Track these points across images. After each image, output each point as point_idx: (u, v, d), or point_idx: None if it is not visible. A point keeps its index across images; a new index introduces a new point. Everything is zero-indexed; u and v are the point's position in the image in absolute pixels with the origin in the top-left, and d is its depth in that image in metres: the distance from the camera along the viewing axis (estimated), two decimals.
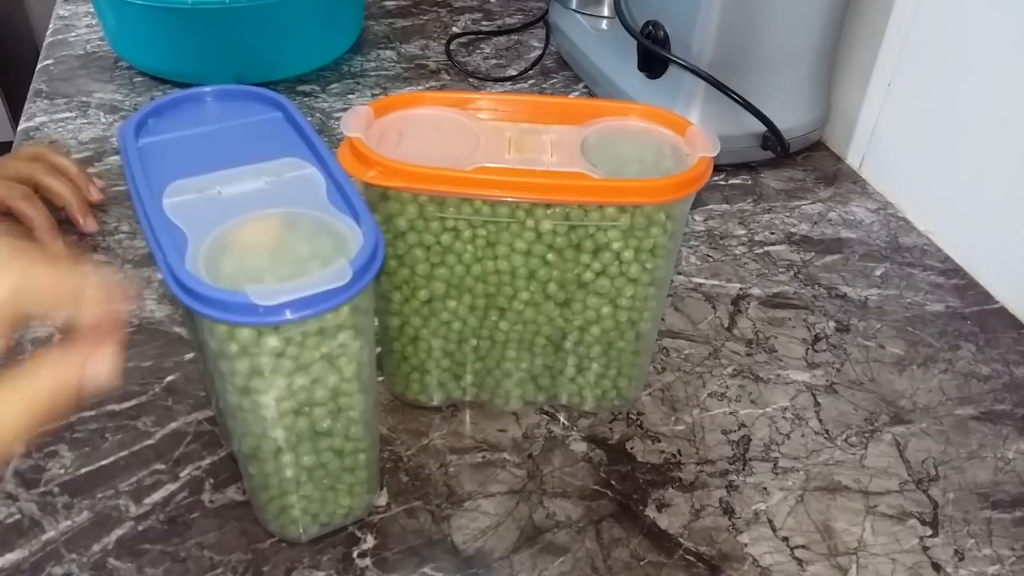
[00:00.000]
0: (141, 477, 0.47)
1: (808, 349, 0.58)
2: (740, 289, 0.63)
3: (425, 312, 0.47)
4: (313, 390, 0.38)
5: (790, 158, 0.78)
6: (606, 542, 0.45)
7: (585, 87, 0.87)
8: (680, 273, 0.64)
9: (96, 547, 0.43)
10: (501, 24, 1.00)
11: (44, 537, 0.44)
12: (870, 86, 0.75)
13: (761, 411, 0.53)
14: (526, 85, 0.89)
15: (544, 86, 0.88)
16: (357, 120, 0.45)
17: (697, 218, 0.70)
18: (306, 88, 0.85)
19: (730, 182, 0.75)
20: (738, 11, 0.68)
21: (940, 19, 0.67)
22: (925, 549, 0.45)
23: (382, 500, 0.47)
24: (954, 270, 0.66)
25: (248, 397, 0.37)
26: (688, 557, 0.44)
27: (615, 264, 0.45)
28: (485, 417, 0.52)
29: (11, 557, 0.43)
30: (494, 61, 0.92)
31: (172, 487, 0.46)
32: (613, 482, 0.48)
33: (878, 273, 0.65)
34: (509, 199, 0.43)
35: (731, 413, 0.53)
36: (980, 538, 0.46)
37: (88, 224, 0.62)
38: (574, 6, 0.91)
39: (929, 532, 0.46)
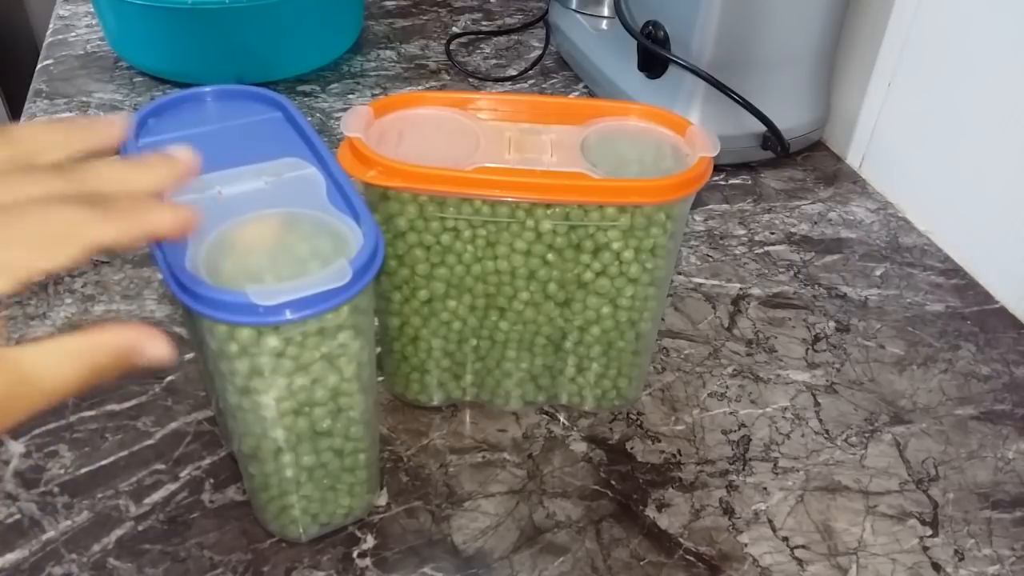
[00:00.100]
0: (141, 477, 0.47)
1: (808, 349, 0.58)
2: (740, 289, 0.63)
3: (425, 312, 0.47)
4: (313, 390, 0.38)
5: (790, 158, 0.78)
6: (606, 542, 0.45)
7: (585, 87, 0.87)
8: (680, 273, 0.64)
9: (96, 547, 0.43)
10: (501, 24, 1.00)
11: (44, 537, 0.44)
12: (870, 86, 0.75)
13: (761, 411, 0.53)
14: (526, 85, 0.89)
15: (544, 86, 0.88)
16: (357, 120, 0.45)
17: (697, 218, 0.70)
18: (306, 88, 0.85)
19: (730, 182, 0.75)
20: (738, 11, 0.68)
21: (940, 19, 0.67)
22: (925, 549, 0.45)
23: (382, 500, 0.47)
24: (954, 270, 0.66)
25: (248, 397, 0.37)
26: (688, 557, 0.44)
27: (615, 264, 0.45)
28: (485, 417, 0.52)
29: (11, 557, 0.43)
30: (494, 61, 0.92)
31: (172, 487, 0.46)
32: (613, 482, 0.48)
33: (878, 273, 0.65)
34: (509, 199, 0.43)
35: (731, 413, 0.53)
36: (980, 538, 0.46)
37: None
38: (574, 6, 0.91)
39: (929, 532, 0.46)
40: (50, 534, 0.44)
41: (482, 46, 0.96)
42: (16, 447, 0.48)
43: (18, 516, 0.45)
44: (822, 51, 0.74)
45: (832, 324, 0.60)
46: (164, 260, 0.35)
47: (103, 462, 0.48)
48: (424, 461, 0.49)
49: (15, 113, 1.52)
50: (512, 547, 0.45)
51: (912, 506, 0.48)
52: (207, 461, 0.48)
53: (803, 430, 0.52)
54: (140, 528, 0.44)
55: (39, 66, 0.87)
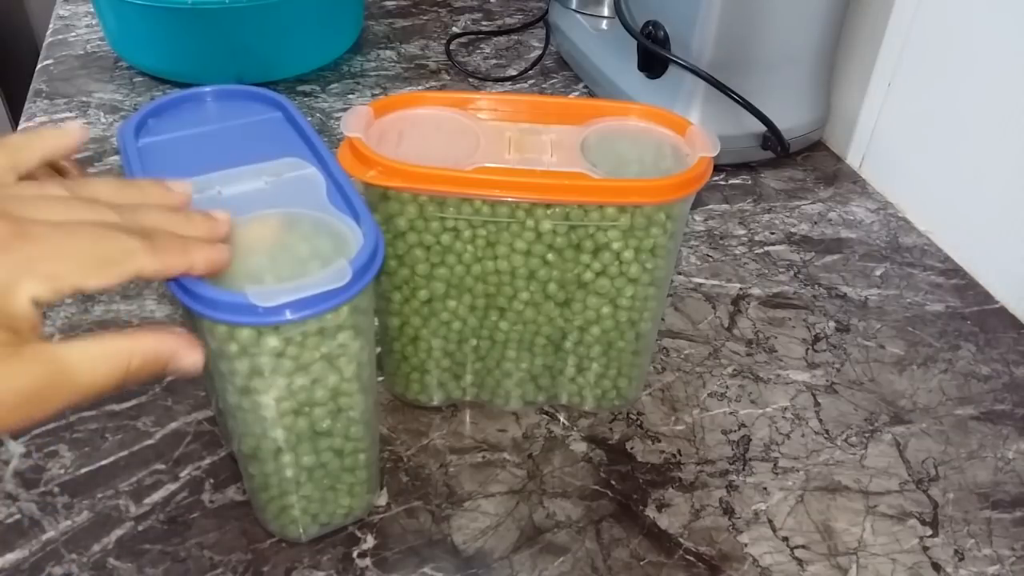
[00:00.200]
0: (141, 477, 0.47)
1: (808, 349, 0.58)
2: (740, 289, 0.63)
3: (425, 312, 0.47)
4: (313, 390, 0.38)
5: (790, 158, 0.78)
6: (606, 542, 0.45)
7: (585, 87, 0.87)
8: (680, 273, 0.64)
9: (96, 547, 0.43)
10: (501, 24, 1.00)
11: (44, 537, 0.44)
12: (870, 86, 0.75)
13: (761, 411, 0.53)
14: (526, 85, 0.89)
15: (544, 86, 0.88)
16: (357, 120, 0.45)
17: (697, 218, 0.70)
18: (306, 88, 0.85)
19: (730, 182, 0.75)
20: (738, 11, 0.68)
21: (940, 19, 0.67)
22: (925, 549, 0.45)
23: (382, 500, 0.47)
24: (954, 270, 0.66)
25: (248, 397, 0.37)
26: (688, 557, 0.44)
27: (615, 264, 0.45)
28: (485, 417, 0.52)
29: (11, 557, 0.43)
30: (494, 61, 0.92)
31: (172, 487, 0.46)
32: (613, 482, 0.48)
33: (878, 273, 0.65)
34: (509, 199, 0.43)
35: (731, 413, 0.53)
36: (980, 538, 0.46)
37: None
38: (574, 6, 0.91)
39: (929, 532, 0.46)
40: (50, 534, 0.44)
41: (482, 46, 0.96)
42: (16, 447, 0.48)
43: (18, 516, 0.45)
44: (822, 51, 0.74)
45: (832, 324, 0.60)
46: None
47: (103, 462, 0.48)
48: (424, 461, 0.49)
49: (15, 113, 1.52)
50: (512, 547, 0.45)
51: (912, 506, 0.48)
52: (207, 461, 0.48)
53: (803, 430, 0.52)
54: (140, 528, 0.44)
55: (39, 66, 0.87)
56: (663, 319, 0.59)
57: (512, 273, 0.45)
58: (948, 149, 0.68)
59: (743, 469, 0.49)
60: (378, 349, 0.49)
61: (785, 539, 0.46)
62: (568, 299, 0.47)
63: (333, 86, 0.86)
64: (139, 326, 0.33)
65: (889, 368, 0.57)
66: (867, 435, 0.52)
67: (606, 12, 0.90)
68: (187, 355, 0.33)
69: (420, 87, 0.86)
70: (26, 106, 0.81)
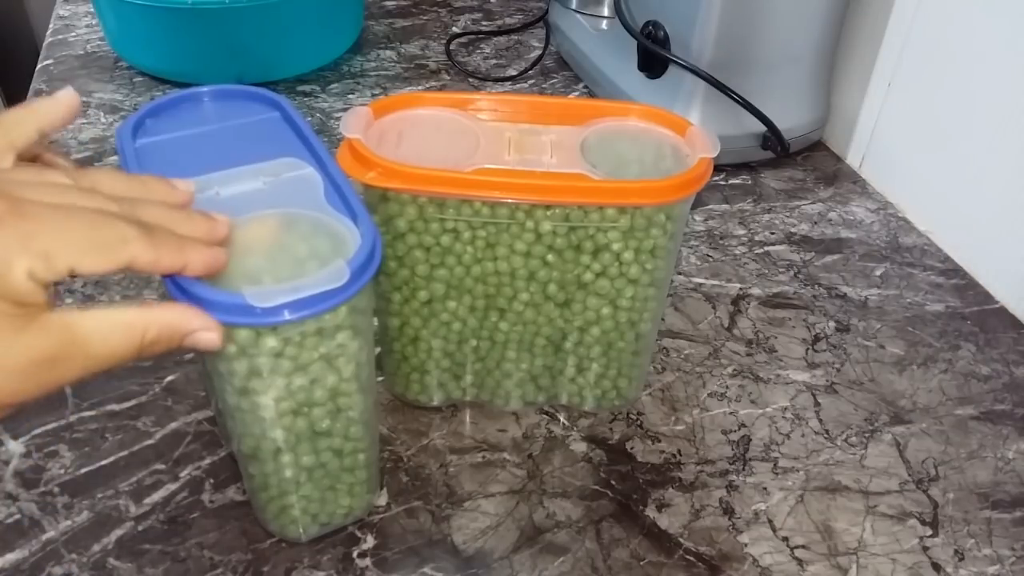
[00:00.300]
0: (141, 477, 0.47)
1: (808, 349, 0.58)
2: (740, 289, 0.63)
3: (425, 313, 0.47)
4: (312, 390, 0.38)
5: (790, 158, 0.77)
6: (606, 542, 0.45)
7: (585, 87, 0.87)
8: (680, 273, 0.64)
9: (96, 547, 0.43)
10: (501, 24, 1.00)
11: (44, 537, 0.44)
12: (870, 86, 0.75)
13: (761, 411, 0.53)
14: (526, 85, 0.89)
15: (544, 86, 0.88)
16: (357, 121, 0.45)
17: (697, 218, 0.70)
18: (306, 88, 0.85)
19: (730, 182, 0.75)
20: (738, 11, 0.68)
21: (940, 19, 0.67)
22: (925, 549, 0.45)
23: (382, 500, 0.47)
24: (954, 270, 0.66)
25: (247, 397, 0.37)
26: (688, 557, 0.44)
27: (615, 265, 0.45)
28: (485, 417, 0.52)
29: (11, 557, 0.43)
30: (494, 61, 0.92)
31: (172, 487, 0.47)
32: (613, 482, 0.48)
33: (878, 273, 0.65)
34: (509, 200, 0.43)
35: (731, 413, 0.53)
36: (980, 538, 0.46)
37: None
38: (574, 6, 0.91)
39: (929, 532, 0.46)
40: (50, 534, 0.44)
41: (482, 46, 0.96)
42: (16, 447, 0.48)
43: (18, 516, 0.45)
44: (822, 51, 0.74)
45: (832, 324, 0.60)
46: None
47: (103, 462, 0.48)
48: (424, 461, 0.49)
49: None
50: (512, 547, 0.45)
51: (912, 506, 0.48)
52: (207, 461, 0.48)
53: (803, 430, 0.52)
54: (140, 528, 0.44)
55: (39, 66, 0.87)
56: (663, 319, 0.59)
57: (512, 274, 0.45)
58: (948, 149, 0.68)
59: (743, 469, 0.49)
60: (378, 349, 0.49)
61: (785, 539, 0.46)
62: (568, 300, 0.47)
63: (333, 86, 0.86)
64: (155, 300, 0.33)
65: (889, 368, 0.57)
66: (867, 435, 0.52)
67: (606, 12, 0.90)
68: (204, 332, 0.33)
69: (420, 87, 0.86)
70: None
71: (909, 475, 0.49)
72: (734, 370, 0.56)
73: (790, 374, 0.56)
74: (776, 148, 0.73)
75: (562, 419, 0.52)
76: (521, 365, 0.50)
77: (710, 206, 0.72)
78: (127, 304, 0.31)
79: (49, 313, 0.29)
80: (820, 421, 0.53)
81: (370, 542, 0.44)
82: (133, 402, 0.51)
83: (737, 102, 0.69)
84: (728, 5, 0.68)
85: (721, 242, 0.68)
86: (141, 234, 0.31)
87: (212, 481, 0.47)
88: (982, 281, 0.65)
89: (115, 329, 0.31)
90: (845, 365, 0.57)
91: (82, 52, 0.89)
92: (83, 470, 0.47)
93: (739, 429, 0.52)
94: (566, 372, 0.51)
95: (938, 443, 0.51)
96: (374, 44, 0.94)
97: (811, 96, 0.76)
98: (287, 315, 0.34)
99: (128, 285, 0.60)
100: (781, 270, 0.65)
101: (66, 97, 0.35)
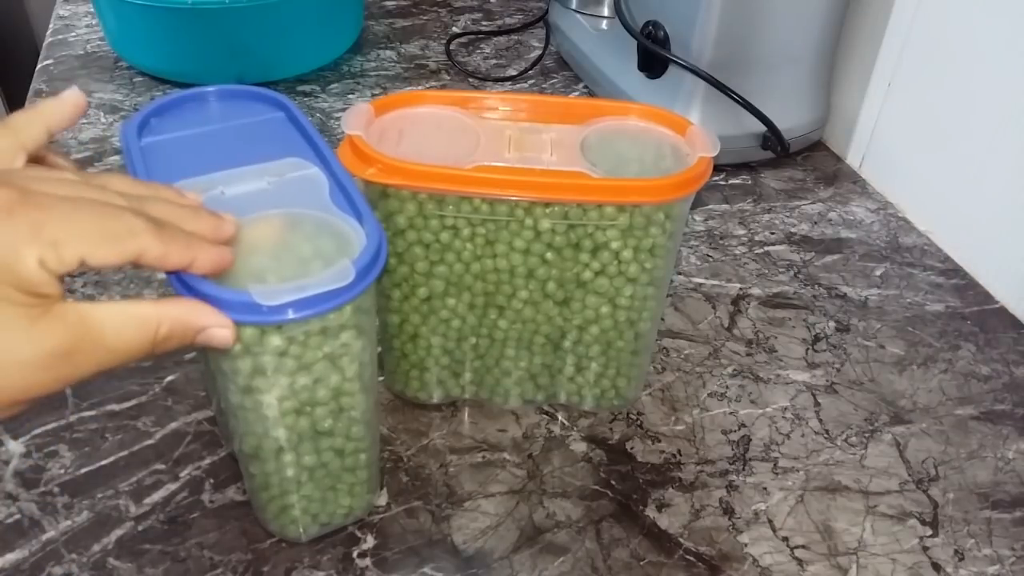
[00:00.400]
0: (141, 477, 0.47)
1: (808, 349, 0.58)
2: (740, 289, 0.63)
3: (424, 310, 0.47)
4: (315, 389, 0.38)
5: (790, 158, 0.78)
6: (606, 542, 0.45)
7: (585, 87, 0.87)
8: (680, 273, 0.64)
9: (96, 547, 0.43)
10: (501, 24, 1.00)
11: (44, 537, 0.44)
12: (870, 86, 0.75)
13: (761, 411, 0.53)
14: (526, 85, 0.89)
15: (544, 86, 0.88)
16: (358, 118, 0.45)
17: (697, 218, 0.70)
18: (306, 88, 0.85)
19: (730, 182, 0.75)
20: (738, 11, 0.68)
21: (940, 19, 0.67)
22: (925, 549, 0.46)
23: (382, 500, 0.47)
24: (954, 270, 0.66)
25: (250, 396, 0.37)
26: (688, 557, 0.44)
27: (614, 263, 0.45)
28: (485, 417, 0.52)
29: (11, 557, 0.43)
30: (494, 61, 0.92)
31: (172, 487, 0.46)
32: (613, 482, 0.48)
33: (878, 273, 0.65)
34: (508, 197, 0.43)
35: (731, 413, 0.53)
36: (980, 538, 0.46)
37: None
38: (574, 6, 0.91)
39: (929, 532, 0.46)
40: (50, 534, 0.44)
41: (482, 46, 0.96)
42: (16, 447, 0.48)
43: (18, 516, 0.45)
44: (822, 51, 0.74)
45: (832, 324, 0.60)
46: None
47: (103, 462, 0.48)
48: (424, 461, 0.49)
49: None
50: (512, 547, 0.45)
51: (912, 506, 0.48)
52: (207, 461, 0.48)
53: (803, 430, 0.52)
54: (140, 528, 0.44)
55: (39, 66, 0.87)
56: (663, 319, 0.59)
57: (511, 271, 0.45)
58: (948, 149, 0.68)
59: (743, 469, 0.49)
60: (378, 348, 0.49)
61: (785, 539, 0.46)
62: (567, 298, 0.47)
63: (333, 86, 0.86)
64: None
65: (889, 368, 0.57)
66: (867, 435, 0.52)
67: (606, 12, 0.90)
68: (217, 329, 0.33)
69: (420, 87, 0.86)
70: (26, 106, 0.80)
71: (909, 475, 0.49)
72: (734, 370, 0.56)
73: (790, 374, 0.56)
74: (776, 148, 0.73)
75: (562, 419, 0.52)
76: (520, 363, 0.50)
77: (710, 206, 0.72)
78: (139, 298, 0.31)
79: (63, 304, 0.29)
80: (820, 421, 0.53)
81: (370, 542, 0.44)
82: (133, 402, 0.51)
83: (737, 102, 0.69)
84: (728, 5, 0.68)
85: (721, 242, 0.68)
86: (150, 227, 0.31)
87: (212, 481, 0.47)
88: (982, 281, 0.65)
89: (129, 322, 0.31)
90: (845, 365, 0.57)
91: (82, 52, 0.89)
92: (83, 470, 0.47)
93: (739, 429, 0.52)
94: (565, 371, 0.51)
95: (938, 443, 0.52)
96: (374, 44, 0.94)
97: (811, 96, 0.76)
98: (292, 314, 0.34)
99: (128, 285, 0.60)
100: (781, 270, 0.65)
101: (72, 97, 0.35)
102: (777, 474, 0.49)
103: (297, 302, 0.33)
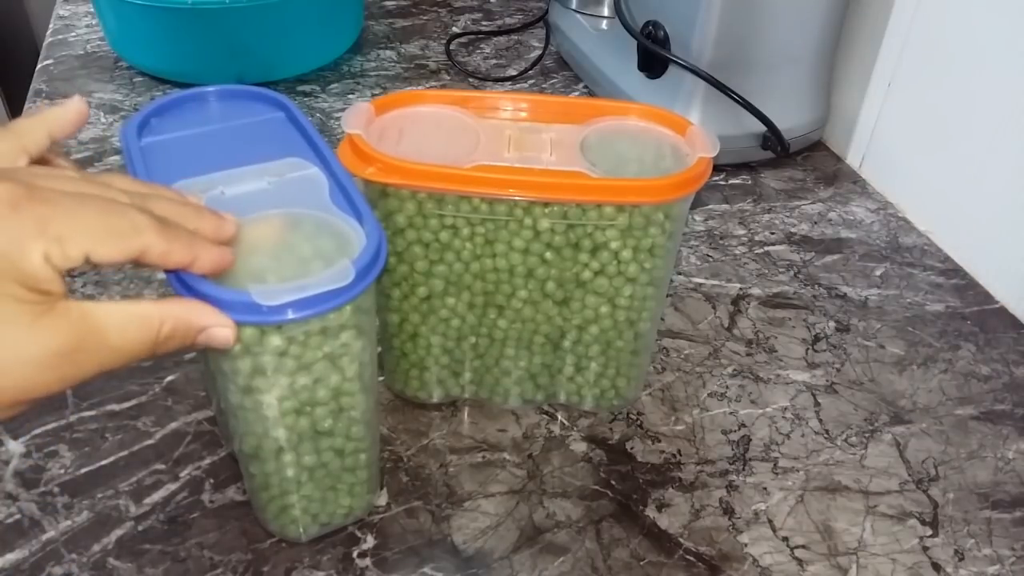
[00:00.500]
0: (141, 477, 0.47)
1: (808, 349, 0.58)
2: (740, 289, 0.63)
3: (424, 309, 0.47)
4: (315, 389, 0.38)
5: (790, 158, 0.78)
6: (606, 542, 0.45)
7: (585, 87, 0.87)
8: (680, 273, 0.64)
9: (96, 547, 0.43)
10: (501, 24, 1.00)
11: (44, 537, 0.44)
12: (870, 86, 0.75)
13: (761, 411, 0.53)
14: (526, 85, 0.89)
15: (544, 86, 0.88)
16: (358, 117, 0.45)
17: (697, 218, 0.70)
18: (306, 88, 0.85)
19: (730, 182, 0.75)
20: (738, 11, 0.68)
21: (940, 19, 0.67)
22: (925, 549, 0.46)
23: (382, 500, 0.47)
24: (954, 270, 0.66)
25: (250, 396, 0.37)
26: (688, 557, 0.44)
27: (613, 263, 0.45)
28: (485, 417, 0.52)
29: (11, 557, 0.43)
30: (494, 61, 0.92)
31: (172, 487, 0.46)
32: (613, 482, 0.48)
33: (878, 273, 0.65)
34: (507, 197, 0.43)
35: (731, 413, 0.53)
36: (980, 538, 0.46)
37: None
38: (574, 6, 0.91)
39: (929, 532, 0.46)
40: (50, 534, 0.44)
41: (482, 46, 0.96)
42: (16, 447, 0.48)
43: (18, 516, 0.45)
44: (822, 51, 0.74)
45: (832, 324, 0.60)
46: None
47: (103, 462, 0.48)
48: (424, 461, 0.49)
49: (15, 113, 1.51)
50: (512, 547, 0.45)
51: (912, 506, 0.48)
52: (207, 461, 0.48)
53: (803, 430, 0.52)
54: (140, 528, 0.44)
55: (39, 66, 0.87)
56: (663, 319, 0.59)
57: (510, 271, 0.45)
58: (948, 149, 0.68)
59: (743, 469, 0.49)
60: (378, 347, 0.49)
61: (785, 539, 0.46)
62: (566, 298, 0.47)
63: (333, 86, 0.86)
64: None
65: (889, 368, 0.57)
66: (867, 435, 0.52)
67: (606, 12, 0.90)
68: (219, 328, 0.33)
69: (420, 87, 0.86)
70: (26, 106, 0.81)
71: (909, 475, 0.49)
72: (734, 370, 0.56)
73: (790, 374, 0.56)
74: (776, 148, 0.73)
75: (562, 419, 0.52)
76: (520, 363, 0.50)
77: (710, 206, 0.72)
78: (141, 298, 0.32)
79: (66, 302, 0.29)
80: (820, 421, 0.53)
81: (370, 542, 0.44)
82: (133, 402, 0.51)
83: (737, 102, 0.69)
84: (728, 5, 0.68)
85: (721, 242, 0.68)
86: (154, 225, 0.31)
87: (212, 481, 0.47)
88: (982, 281, 0.65)
89: (131, 321, 0.31)
90: (845, 365, 0.57)
91: (82, 52, 0.89)
92: (83, 470, 0.47)
93: (739, 429, 0.52)
94: (565, 370, 0.51)
95: (938, 443, 0.52)
96: (374, 44, 0.94)
97: (811, 96, 0.76)
98: (291, 314, 0.34)
99: (128, 285, 0.60)
100: (781, 270, 0.65)
101: (75, 104, 0.36)
102: (777, 474, 0.49)
103: (297, 302, 0.33)
